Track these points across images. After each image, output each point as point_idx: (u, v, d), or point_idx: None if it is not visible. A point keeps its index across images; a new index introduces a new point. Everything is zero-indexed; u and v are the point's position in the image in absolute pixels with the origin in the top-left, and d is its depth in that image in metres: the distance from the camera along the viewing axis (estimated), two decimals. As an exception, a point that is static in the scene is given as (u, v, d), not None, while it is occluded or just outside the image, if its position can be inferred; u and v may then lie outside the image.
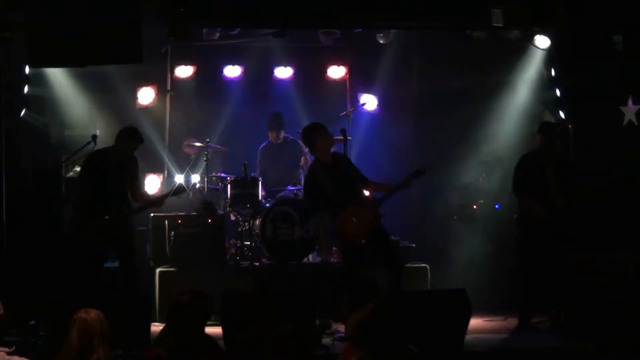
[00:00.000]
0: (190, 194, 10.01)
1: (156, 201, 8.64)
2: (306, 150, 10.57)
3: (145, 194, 8.71)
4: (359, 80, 11.28)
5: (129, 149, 8.37)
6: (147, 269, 9.30)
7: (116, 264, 8.49)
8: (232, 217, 10.22)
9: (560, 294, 8.31)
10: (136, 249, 8.54)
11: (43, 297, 8.09)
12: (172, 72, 11.11)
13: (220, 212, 9.93)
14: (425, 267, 9.64)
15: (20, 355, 5.88)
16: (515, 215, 8.96)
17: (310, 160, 10.45)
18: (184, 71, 11.09)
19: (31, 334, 7.83)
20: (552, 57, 10.02)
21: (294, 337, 4.34)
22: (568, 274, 8.83)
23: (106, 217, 8.12)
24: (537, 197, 8.60)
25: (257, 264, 9.69)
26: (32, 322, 8.00)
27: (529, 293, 8.75)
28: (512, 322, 8.78)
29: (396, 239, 9.73)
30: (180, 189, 8.76)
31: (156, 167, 10.78)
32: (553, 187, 8.66)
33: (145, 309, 7.40)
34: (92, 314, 5.25)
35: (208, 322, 5.37)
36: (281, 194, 10.25)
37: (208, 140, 10.30)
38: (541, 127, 8.92)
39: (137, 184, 8.55)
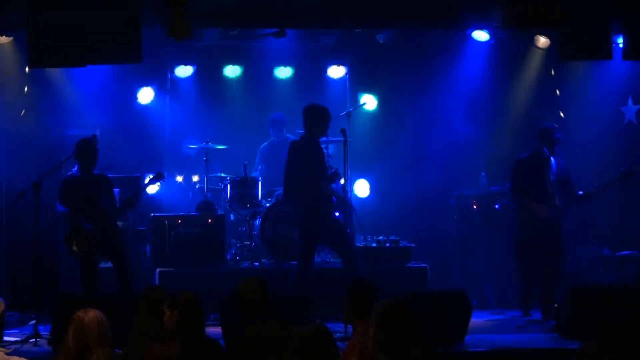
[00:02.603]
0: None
1: (132, 200, 8.65)
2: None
3: (118, 209, 8.62)
4: (359, 80, 11.26)
5: (87, 163, 8.37)
6: (147, 269, 9.30)
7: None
8: (232, 217, 10.22)
9: (560, 294, 8.31)
10: (126, 252, 8.56)
11: (43, 297, 8.08)
12: (172, 72, 11.10)
13: (220, 212, 9.92)
14: (425, 267, 9.63)
15: (20, 355, 5.85)
16: (515, 215, 8.96)
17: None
18: (184, 71, 11.08)
19: (31, 334, 7.82)
20: (552, 57, 10.02)
21: (315, 336, 4.31)
22: (568, 273, 8.86)
23: (85, 232, 8.19)
24: (537, 198, 8.63)
25: (257, 264, 9.69)
26: (32, 322, 7.99)
27: (529, 292, 8.79)
28: (513, 322, 8.78)
29: (396, 239, 9.74)
30: (158, 176, 8.76)
31: (155, 167, 10.74)
32: (552, 187, 8.68)
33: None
34: (90, 314, 5.17)
35: (208, 322, 5.36)
36: (281, 193, 10.23)
37: (208, 140, 10.29)
38: (541, 130, 8.92)
39: (111, 202, 8.49)
